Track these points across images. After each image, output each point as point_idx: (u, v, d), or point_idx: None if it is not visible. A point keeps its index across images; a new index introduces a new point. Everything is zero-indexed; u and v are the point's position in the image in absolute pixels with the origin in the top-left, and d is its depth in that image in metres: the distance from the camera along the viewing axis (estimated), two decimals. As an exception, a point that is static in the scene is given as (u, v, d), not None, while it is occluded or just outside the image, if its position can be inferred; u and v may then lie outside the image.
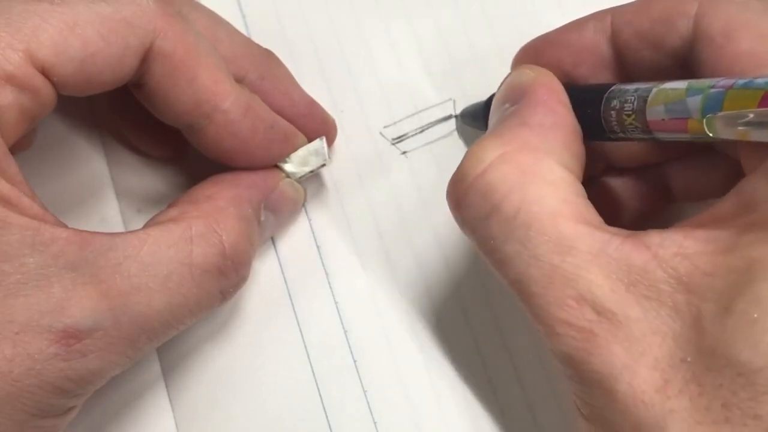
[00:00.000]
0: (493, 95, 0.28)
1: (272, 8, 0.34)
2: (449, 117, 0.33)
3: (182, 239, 0.24)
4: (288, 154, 0.30)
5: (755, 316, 0.19)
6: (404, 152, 0.32)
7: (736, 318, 0.19)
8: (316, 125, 0.30)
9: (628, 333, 0.20)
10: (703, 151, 0.28)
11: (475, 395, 0.29)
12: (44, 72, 0.23)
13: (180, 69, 0.25)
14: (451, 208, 0.25)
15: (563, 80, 0.26)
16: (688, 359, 0.20)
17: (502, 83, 0.27)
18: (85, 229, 0.23)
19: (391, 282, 0.31)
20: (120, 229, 0.31)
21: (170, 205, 0.27)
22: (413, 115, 0.33)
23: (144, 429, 0.29)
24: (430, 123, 0.33)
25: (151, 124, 0.30)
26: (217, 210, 0.26)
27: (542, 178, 0.23)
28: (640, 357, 0.20)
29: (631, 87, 0.24)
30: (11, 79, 0.22)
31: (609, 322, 0.21)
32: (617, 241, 0.21)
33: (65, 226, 0.23)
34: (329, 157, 0.30)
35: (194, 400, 0.29)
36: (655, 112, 0.23)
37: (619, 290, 0.21)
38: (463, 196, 0.24)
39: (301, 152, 0.30)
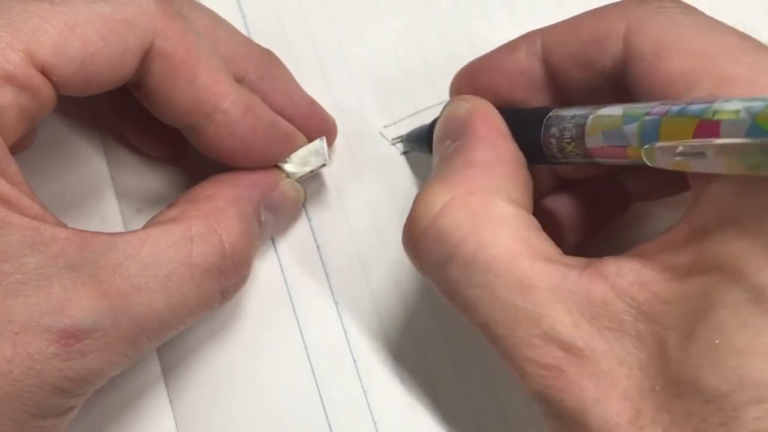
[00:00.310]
0: (436, 119, 0.28)
1: (272, 8, 0.34)
2: (449, 117, 0.33)
3: (182, 239, 0.24)
4: (288, 154, 0.30)
5: (717, 342, 0.19)
6: (404, 152, 0.32)
7: (699, 345, 0.19)
8: (316, 125, 0.30)
9: (596, 366, 0.20)
10: None
11: (475, 395, 0.29)
12: (44, 72, 0.23)
13: (180, 69, 0.25)
14: (408, 255, 0.25)
15: (501, 104, 0.26)
16: (657, 388, 0.20)
17: (440, 115, 0.27)
18: (86, 229, 0.23)
19: (391, 282, 0.31)
20: (120, 229, 0.31)
21: (170, 205, 0.27)
22: (413, 115, 0.33)
23: (144, 429, 0.29)
24: (431, 123, 0.33)
25: (151, 124, 0.30)
26: (217, 210, 0.26)
27: (494, 218, 0.23)
28: (609, 389, 0.20)
29: (568, 113, 0.24)
30: (11, 79, 0.22)
31: (575, 357, 0.21)
32: (575, 274, 0.21)
33: (65, 226, 0.23)
34: (329, 158, 0.30)
35: (194, 400, 0.29)
36: (594, 140, 0.23)
37: (581, 324, 0.21)
38: (418, 243, 0.24)
39: (301, 152, 0.30)
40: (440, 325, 0.30)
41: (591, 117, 0.23)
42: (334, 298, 0.31)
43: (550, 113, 0.25)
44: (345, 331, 0.30)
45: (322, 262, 0.31)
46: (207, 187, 0.28)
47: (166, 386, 0.30)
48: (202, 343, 0.30)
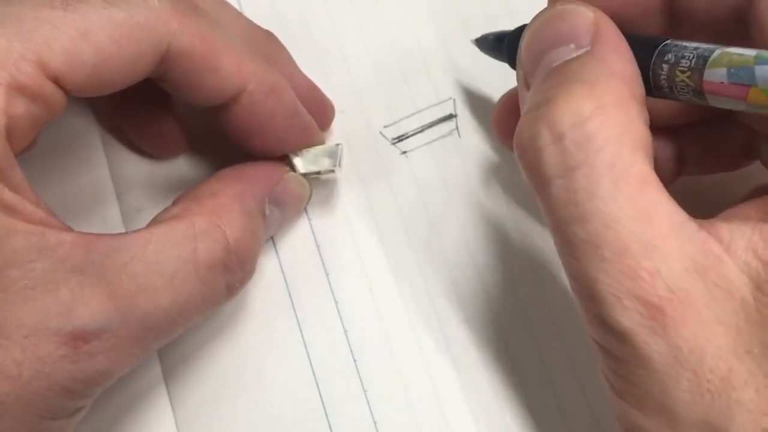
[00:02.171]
0: (520, 27, 0.27)
1: (272, 8, 0.34)
2: (449, 117, 0.33)
3: (186, 237, 0.24)
4: (302, 147, 0.30)
5: None
6: (404, 152, 0.32)
7: None
8: (316, 108, 0.30)
9: (697, 317, 0.20)
10: (721, 119, 0.28)
11: (475, 395, 0.29)
12: (56, 80, 0.23)
13: (202, 62, 0.25)
14: (525, 153, 0.23)
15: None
16: (755, 351, 0.20)
17: (541, 17, 0.25)
18: (86, 228, 0.23)
19: (391, 282, 0.31)
20: (120, 228, 0.31)
21: (174, 203, 0.27)
22: (413, 114, 0.33)
23: (144, 429, 0.29)
24: (430, 123, 0.33)
25: (152, 122, 0.30)
26: (220, 206, 0.26)
27: (636, 139, 0.22)
28: (706, 344, 0.20)
29: (690, 44, 0.23)
30: (23, 90, 0.22)
31: (680, 302, 0.20)
32: (694, 225, 0.21)
33: (70, 230, 0.23)
34: (340, 165, 0.30)
35: (194, 400, 0.29)
36: (715, 75, 0.22)
37: (692, 273, 0.20)
38: (552, 142, 0.22)
39: (315, 150, 0.30)
40: (441, 324, 0.30)
41: (718, 51, 0.22)
42: (334, 298, 0.31)
43: (668, 41, 0.24)
44: (345, 331, 0.30)
45: (322, 262, 0.31)
46: (210, 183, 0.28)
47: (167, 386, 0.30)
48: (202, 343, 0.30)
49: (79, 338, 0.22)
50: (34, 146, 0.27)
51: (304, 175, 0.30)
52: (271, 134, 0.28)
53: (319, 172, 0.30)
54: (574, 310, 0.30)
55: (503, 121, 0.30)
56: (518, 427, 0.29)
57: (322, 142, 0.30)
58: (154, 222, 0.26)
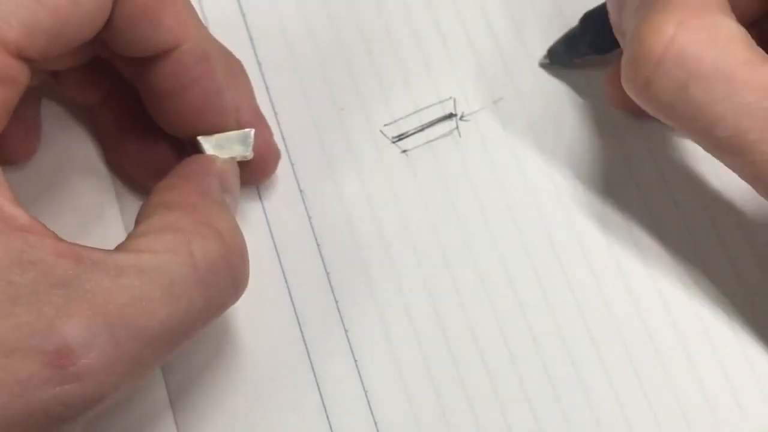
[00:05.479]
0: (591, 11, 0.30)
1: (272, 7, 0.34)
2: (449, 116, 0.33)
3: (178, 241, 0.23)
4: (214, 131, 0.28)
5: None
6: (404, 151, 0.32)
7: None
8: (258, 144, 0.29)
9: None
10: None
11: (476, 394, 0.30)
12: (18, 54, 0.22)
13: (144, 13, 0.25)
14: (637, 92, 0.25)
15: None
16: None
17: None
18: (86, 237, 0.23)
19: (391, 281, 0.31)
20: (122, 235, 0.31)
21: (136, 224, 0.25)
22: (413, 113, 0.33)
23: (144, 427, 0.29)
24: (431, 121, 0.33)
25: (150, 157, 0.30)
26: (194, 205, 0.25)
27: (726, 33, 0.24)
28: None
29: None
30: None
31: None
32: None
33: (55, 238, 0.21)
34: (252, 153, 0.29)
35: (194, 400, 0.29)
36: None
37: None
38: (653, 73, 0.24)
39: (226, 135, 0.28)
40: (441, 323, 0.30)
41: None
42: (334, 298, 0.31)
43: None
44: (345, 331, 0.30)
45: (323, 261, 0.31)
46: (166, 191, 0.26)
47: (166, 384, 0.30)
48: (201, 342, 0.30)
49: (64, 357, 0.20)
50: (32, 155, 0.27)
51: None
52: (188, 103, 0.27)
53: (233, 158, 0.29)
54: (573, 304, 0.30)
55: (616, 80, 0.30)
56: (517, 425, 0.29)
57: (234, 128, 0.29)
58: (137, 234, 0.24)
